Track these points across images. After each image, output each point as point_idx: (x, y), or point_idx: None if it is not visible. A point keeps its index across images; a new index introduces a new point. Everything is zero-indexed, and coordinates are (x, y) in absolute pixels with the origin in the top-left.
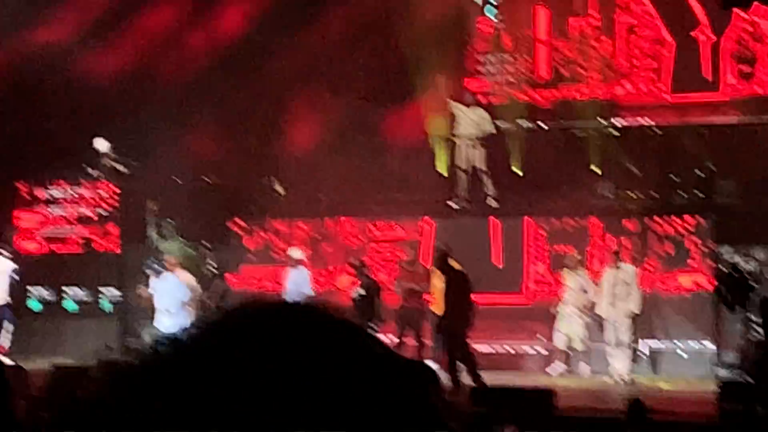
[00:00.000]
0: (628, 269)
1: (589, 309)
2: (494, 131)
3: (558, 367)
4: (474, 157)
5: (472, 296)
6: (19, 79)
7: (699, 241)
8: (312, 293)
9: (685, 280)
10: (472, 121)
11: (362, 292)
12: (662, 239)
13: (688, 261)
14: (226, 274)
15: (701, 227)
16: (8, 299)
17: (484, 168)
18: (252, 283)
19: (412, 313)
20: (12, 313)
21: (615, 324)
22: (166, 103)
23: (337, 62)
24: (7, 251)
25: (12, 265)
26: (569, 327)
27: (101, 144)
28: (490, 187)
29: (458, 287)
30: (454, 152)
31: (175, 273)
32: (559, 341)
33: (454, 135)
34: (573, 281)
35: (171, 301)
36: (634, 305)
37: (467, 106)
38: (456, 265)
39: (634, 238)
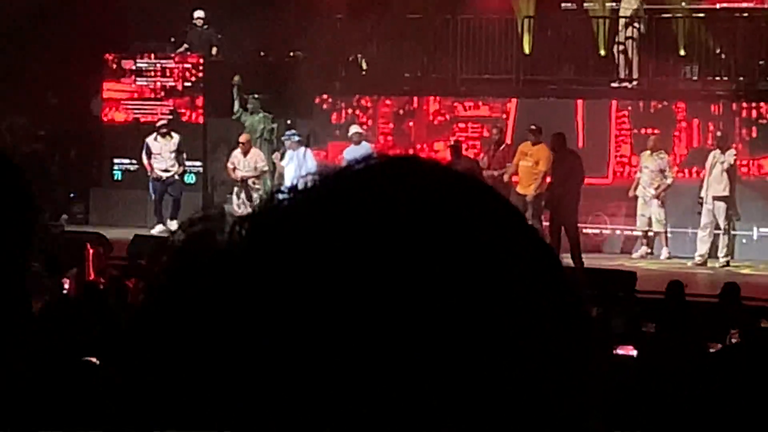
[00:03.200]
0: (727, 152)
1: (665, 190)
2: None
3: (640, 249)
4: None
5: (583, 178)
6: None
7: None
8: None
9: None
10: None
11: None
12: (748, 123)
13: None
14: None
15: None
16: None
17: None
18: (337, 158)
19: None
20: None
21: (708, 207)
22: None
23: None
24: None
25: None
26: (648, 209)
27: (198, 14)
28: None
29: (571, 168)
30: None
31: (249, 152)
32: (641, 224)
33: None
34: (652, 163)
35: (296, 172)
36: (724, 188)
37: None
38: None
39: (721, 123)
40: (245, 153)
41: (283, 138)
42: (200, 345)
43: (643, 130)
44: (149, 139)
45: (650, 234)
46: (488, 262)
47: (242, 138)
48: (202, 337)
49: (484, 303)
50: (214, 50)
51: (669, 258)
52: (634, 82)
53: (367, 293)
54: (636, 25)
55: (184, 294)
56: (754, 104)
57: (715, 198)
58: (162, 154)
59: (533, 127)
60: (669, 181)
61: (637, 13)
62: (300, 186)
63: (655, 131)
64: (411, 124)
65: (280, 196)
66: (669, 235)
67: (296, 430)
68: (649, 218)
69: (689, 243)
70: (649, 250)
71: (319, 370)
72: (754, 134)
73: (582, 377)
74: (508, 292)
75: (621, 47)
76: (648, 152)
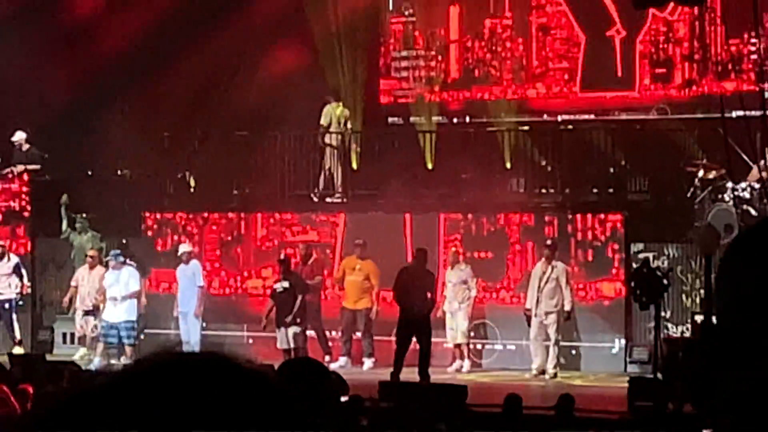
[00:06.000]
0: (558, 266)
1: (470, 302)
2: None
3: (455, 363)
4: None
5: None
6: None
7: (617, 246)
8: (203, 284)
9: (606, 287)
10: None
11: (286, 285)
12: (584, 246)
13: (609, 269)
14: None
15: (615, 226)
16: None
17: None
18: (162, 286)
19: (313, 306)
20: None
21: (540, 319)
22: (79, 97)
23: (249, 60)
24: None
25: (15, 260)
26: (454, 322)
27: (18, 136)
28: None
29: (427, 285)
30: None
31: (96, 267)
32: (450, 337)
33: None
34: (454, 276)
35: (119, 292)
36: (566, 303)
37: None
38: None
39: (550, 236)
40: (92, 268)
41: (106, 258)
42: None
43: (476, 253)
44: None
45: (457, 346)
46: None
47: (91, 252)
48: None
49: None
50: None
51: (469, 372)
52: (337, 197)
53: None
54: (327, 140)
55: None
56: (588, 218)
57: (548, 312)
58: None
59: (359, 241)
60: (473, 293)
61: (329, 128)
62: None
63: (488, 254)
64: (239, 250)
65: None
66: (498, 347)
67: None
68: (454, 330)
69: (515, 355)
70: (463, 363)
71: None
72: (590, 257)
73: None
74: None
75: (327, 163)
76: (450, 266)
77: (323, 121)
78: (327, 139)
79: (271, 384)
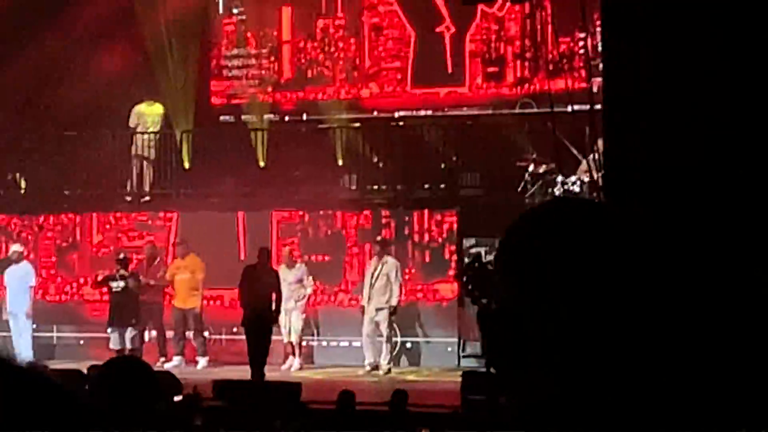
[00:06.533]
0: (388, 262)
1: (306, 300)
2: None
3: (289, 360)
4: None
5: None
6: None
7: (454, 247)
8: (35, 284)
9: (443, 288)
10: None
11: (122, 285)
12: (422, 248)
13: (446, 271)
14: None
15: (452, 228)
16: None
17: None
18: None
19: (152, 307)
20: None
21: (371, 316)
22: None
23: (79, 59)
24: None
25: None
26: (287, 320)
27: None
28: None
29: (270, 283)
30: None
31: None
32: (283, 335)
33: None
34: (290, 275)
35: None
36: (393, 298)
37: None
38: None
39: (393, 248)
40: None
41: None
42: None
43: (314, 256)
44: None
45: (293, 344)
46: None
47: None
48: None
49: None
50: None
51: (302, 368)
52: (146, 198)
53: None
54: (141, 141)
55: None
56: (425, 218)
57: (379, 309)
58: None
59: (178, 240)
60: (309, 291)
61: (137, 128)
62: None
63: (325, 257)
64: (75, 256)
65: None
66: (332, 344)
67: None
68: (288, 329)
69: (348, 352)
70: (295, 361)
71: None
72: (427, 259)
73: None
74: None
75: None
76: (284, 265)
77: (132, 122)
78: (140, 140)
79: (50, 383)
